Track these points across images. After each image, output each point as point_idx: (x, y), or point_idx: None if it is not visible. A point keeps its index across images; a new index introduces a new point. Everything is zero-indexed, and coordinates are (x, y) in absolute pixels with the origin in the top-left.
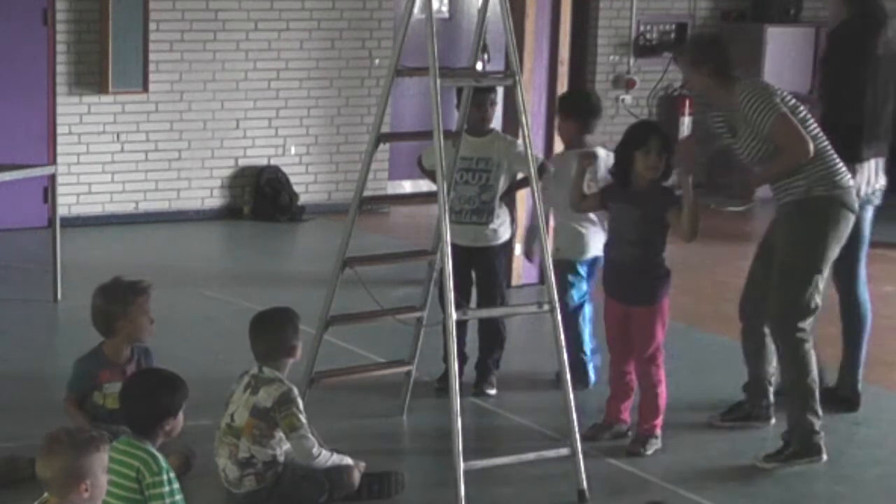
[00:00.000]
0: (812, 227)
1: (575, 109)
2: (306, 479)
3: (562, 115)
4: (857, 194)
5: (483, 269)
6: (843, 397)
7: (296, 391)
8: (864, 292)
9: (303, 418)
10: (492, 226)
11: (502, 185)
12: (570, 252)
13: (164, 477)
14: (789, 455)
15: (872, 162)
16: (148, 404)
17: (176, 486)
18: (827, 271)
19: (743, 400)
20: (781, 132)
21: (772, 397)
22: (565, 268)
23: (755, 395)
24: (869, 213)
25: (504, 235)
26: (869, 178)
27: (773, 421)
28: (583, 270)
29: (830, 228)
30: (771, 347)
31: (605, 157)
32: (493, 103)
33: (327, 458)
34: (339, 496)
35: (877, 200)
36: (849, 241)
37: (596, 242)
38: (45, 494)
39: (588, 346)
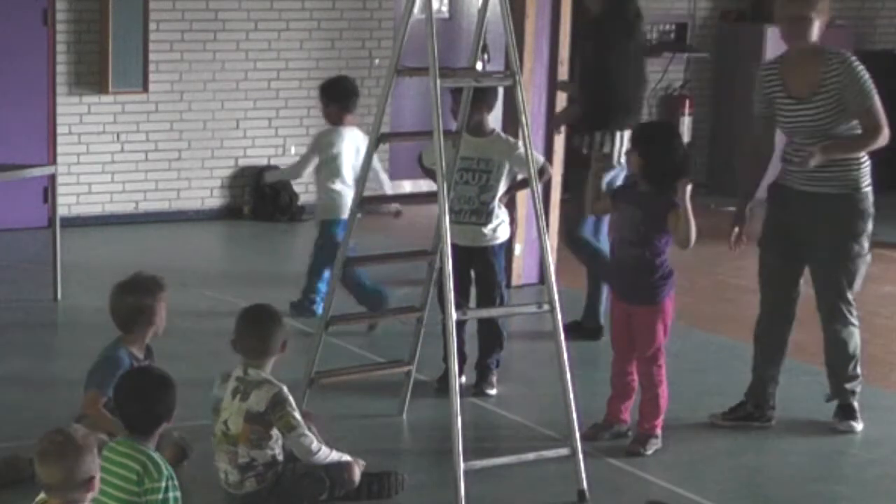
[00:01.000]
0: (864, 221)
1: (336, 94)
2: (307, 476)
3: (324, 101)
4: (620, 161)
5: (482, 269)
6: (587, 328)
7: (286, 389)
8: (605, 242)
9: (298, 416)
10: (490, 226)
11: (502, 186)
12: (330, 213)
13: (163, 484)
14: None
15: (627, 132)
16: (148, 406)
17: (175, 493)
18: None
19: (744, 400)
20: (876, 115)
21: (776, 400)
22: (330, 227)
23: (758, 397)
24: (621, 176)
25: (503, 236)
26: (624, 145)
27: (773, 423)
28: (340, 228)
29: (871, 219)
30: (784, 349)
31: None
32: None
33: (327, 453)
34: (340, 493)
35: (626, 167)
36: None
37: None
38: (42, 495)
39: (365, 275)
